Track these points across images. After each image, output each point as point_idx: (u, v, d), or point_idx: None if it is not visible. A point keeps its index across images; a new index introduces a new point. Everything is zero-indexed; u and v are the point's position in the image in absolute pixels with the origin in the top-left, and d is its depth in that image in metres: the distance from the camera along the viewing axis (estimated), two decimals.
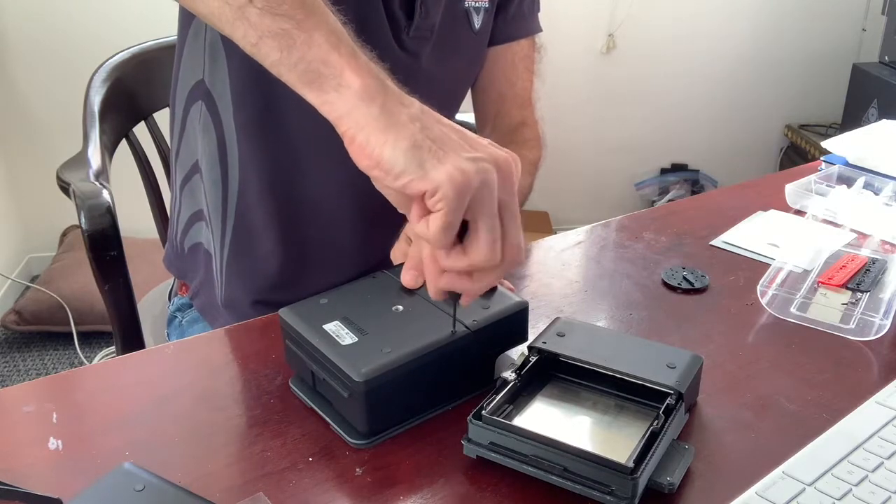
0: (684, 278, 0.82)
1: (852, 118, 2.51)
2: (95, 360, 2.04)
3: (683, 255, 0.89)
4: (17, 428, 0.61)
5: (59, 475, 0.56)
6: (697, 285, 0.81)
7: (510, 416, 0.59)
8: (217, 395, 0.63)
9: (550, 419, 0.60)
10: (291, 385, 0.64)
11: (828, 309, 0.77)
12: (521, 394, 0.61)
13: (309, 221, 0.92)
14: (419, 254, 0.56)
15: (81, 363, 2.03)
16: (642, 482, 0.52)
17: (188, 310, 1.01)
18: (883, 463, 0.55)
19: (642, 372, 0.60)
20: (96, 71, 1.08)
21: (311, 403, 0.62)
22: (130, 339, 1.02)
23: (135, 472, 0.53)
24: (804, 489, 0.53)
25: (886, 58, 2.51)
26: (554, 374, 0.64)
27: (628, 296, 0.81)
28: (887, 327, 0.73)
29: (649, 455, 0.53)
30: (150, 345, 1.04)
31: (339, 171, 0.90)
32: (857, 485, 0.53)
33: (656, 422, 0.55)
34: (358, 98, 0.51)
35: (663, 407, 0.57)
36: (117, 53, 1.13)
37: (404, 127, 0.51)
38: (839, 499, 0.52)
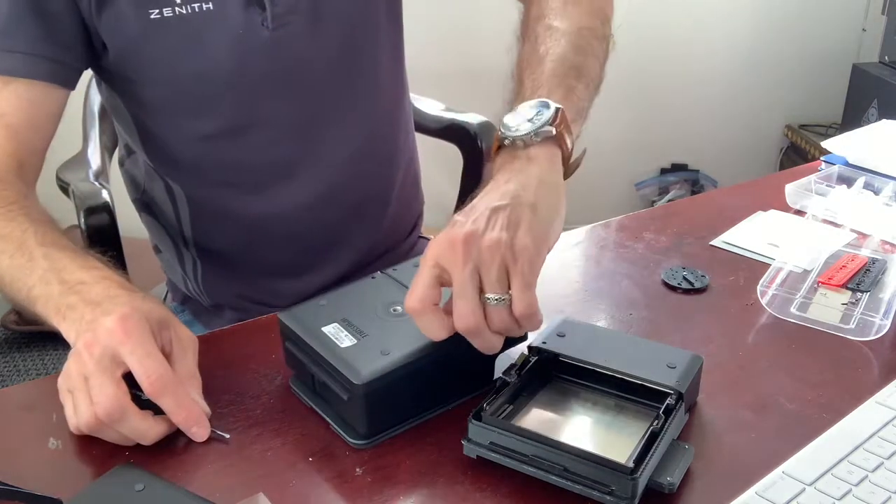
0: (684, 278, 0.82)
1: (852, 118, 2.51)
2: None
3: (683, 255, 0.89)
4: (17, 428, 0.61)
5: (59, 475, 0.56)
6: (697, 285, 0.81)
7: (510, 417, 0.59)
8: (217, 395, 0.63)
9: (550, 419, 0.60)
10: (291, 385, 0.64)
11: (828, 309, 0.77)
12: (521, 394, 0.61)
13: (272, 233, 0.92)
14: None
15: None
16: (642, 482, 0.52)
17: (180, 314, 1.02)
18: (883, 463, 0.55)
19: (642, 372, 0.60)
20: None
21: (310, 403, 0.62)
22: None
23: (135, 472, 0.53)
24: (804, 489, 0.53)
25: (886, 58, 2.51)
26: (554, 374, 0.64)
27: (628, 296, 0.81)
28: (887, 327, 0.73)
29: (649, 455, 0.53)
30: None
31: (284, 193, 0.89)
32: (857, 485, 0.53)
33: (656, 422, 0.55)
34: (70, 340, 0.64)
35: (663, 407, 0.57)
36: None
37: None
38: (839, 499, 0.52)
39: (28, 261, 0.66)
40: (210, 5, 0.78)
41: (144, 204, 0.97)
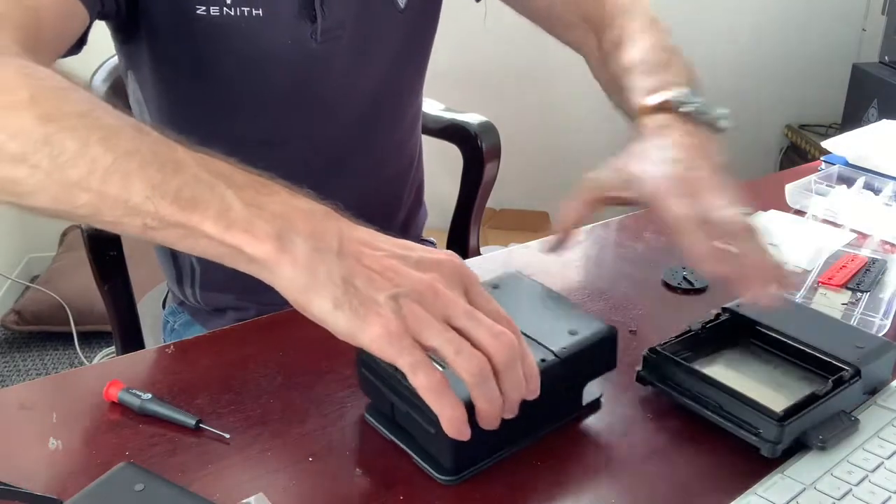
0: (684, 278, 0.82)
1: (852, 118, 2.51)
2: (95, 360, 2.04)
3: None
4: (17, 428, 0.61)
5: (59, 475, 0.56)
6: (697, 285, 0.81)
7: (686, 360, 0.62)
8: (217, 395, 0.63)
9: (723, 372, 0.64)
10: (367, 415, 0.61)
11: (828, 309, 0.77)
12: (703, 346, 0.65)
13: None
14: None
15: (81, 363, 2.03)
16: (790, 431, 0.55)
17: (180, 314, 1.02)
18: (883, 463, 0.55)
19: (827, 347, 0.63)
20: (96, 71, 1.08)
21: (389, 435, 0.59)
22: (130, 339, 1.02)
23: (135, 472, 0.52)
24: (804, 489, 0.53)
25: (886, 58, 2.51)
26: (741, 337, 0.67)
27: (628, 296, 0.81)
28: (887, 327, 0.73)
29: (803, 410, 0.56)
30: (150, 345, 1.04)
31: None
32: (857, 485, 0.53)
33: (822, 388, 0.58)
34: (269, 268, 0.50)
35: (835, 376, 0.59)
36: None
37: (322, 285, 0.49)
38: (839, 499, 0.52)
39: (167, 147, 0.52)
40: (260, 12, 0.77)
41: None
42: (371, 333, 0.48)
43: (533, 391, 0.52)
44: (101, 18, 0.77)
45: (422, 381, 0.48)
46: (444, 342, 0.48)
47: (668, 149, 0.66)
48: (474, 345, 0.49)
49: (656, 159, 0.65)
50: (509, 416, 0.52)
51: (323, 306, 0.49)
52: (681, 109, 0.69)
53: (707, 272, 0.60)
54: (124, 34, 0.83)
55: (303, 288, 0.49)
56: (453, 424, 0.49)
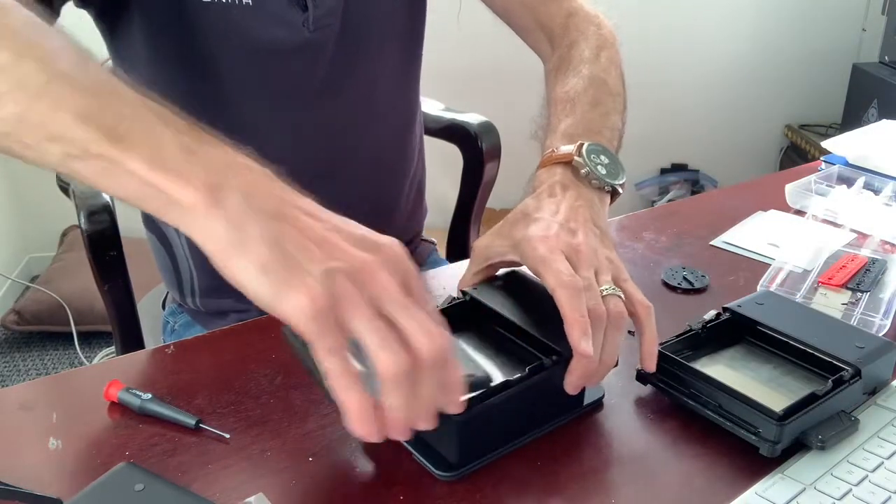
0: (684, 278, 0.82)
1: (852, 118, 2.51)
2: (95, 361, 2.04)
3: (683, 255, 0.89)
4: (17, 428, 0.61)
5: (59, 475, 0.56)
6: (697, 285, 0.81)
7: (687, 360, 0.62)
8: (217, 395, 0.63)
9: (723, 371, 0.64)
10: None
11: (828, 309, 0.77)
12: (703, 346, 0.66)
13: None
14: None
15: (81, 363, 2.03)
16: (789, 431, 0.55)
17: (180, 314, 1.01)
18: (883, 463, 0.56)
19: (828, 347, 0.63)
20: None
21: None
22: (130, 339, 1.02)
23: (135, 472, 0.53)
24: (804, 489, 0.53)
25: (886, 58, 2.51)
26: (743, 336, 0.68)
27: None
28: (887, 327, 0.73)
29: (802, 410, 0.56)
30: (150, 345, 1.04)
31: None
32: (857, 485, 0.53)
33: (822, 387, 0.58)
34: (194, 217, 0.46)
35: (835, 376, 0.59)
36: None
37: (251, 246, 0.45)
38: (839, 499, 0.52)
39: (108, 79, 0.49)
40: (249, 1, 0.77)
41: (149, 219, 0.97)
42: (294, 303, 0.44)
43: (454, 403, 0.49)
44: (82, 4, 0.76)
45: (334, 367, 0.45)
46: (369, 330, 0.45)
47: (552, 212, 0.65)
48: (402, 339, 0.45)
49: (539, 223, 0.63)
50: (424, 427, 0.48)
51: (248, 268, 0.45)
52: (577, 167, 0.69)
53: (570, 341, 0.56)
54: (109, 24, 0.82)
55: (228, 245, 0.46)
56: (359, 418, 0.45)
